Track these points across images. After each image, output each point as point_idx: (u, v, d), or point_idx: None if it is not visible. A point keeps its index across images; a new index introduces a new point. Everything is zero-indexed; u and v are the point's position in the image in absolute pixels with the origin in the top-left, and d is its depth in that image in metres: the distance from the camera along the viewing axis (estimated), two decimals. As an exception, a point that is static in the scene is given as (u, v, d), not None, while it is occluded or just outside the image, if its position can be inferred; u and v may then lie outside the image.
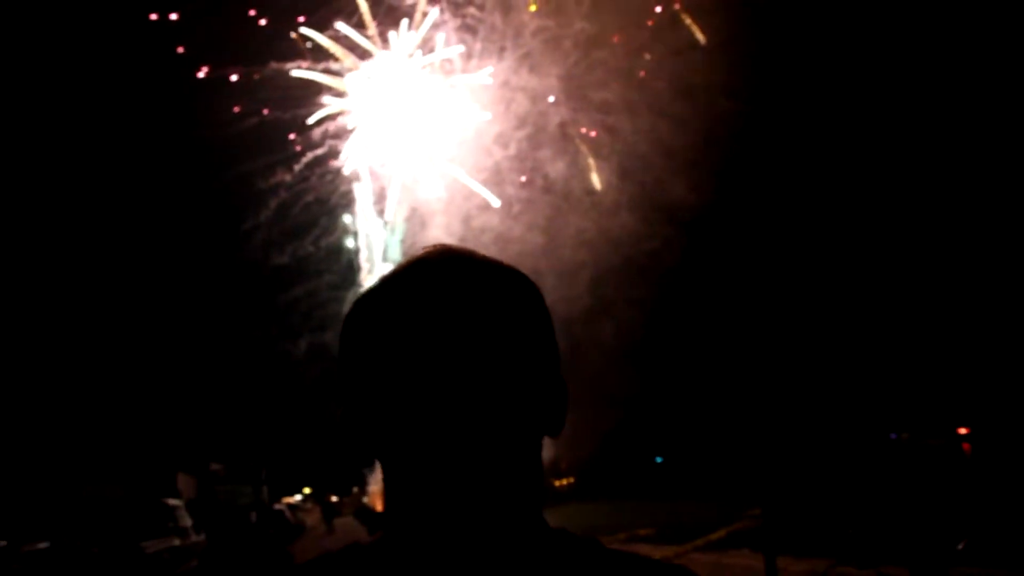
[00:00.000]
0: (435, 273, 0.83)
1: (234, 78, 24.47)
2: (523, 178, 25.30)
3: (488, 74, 24.64)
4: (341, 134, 26.22)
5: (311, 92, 25.63)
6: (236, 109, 24.42)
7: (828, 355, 26.21)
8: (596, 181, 25.02)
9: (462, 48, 24.30)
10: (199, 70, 23.74)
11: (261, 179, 25.00)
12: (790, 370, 26.79)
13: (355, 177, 26.35)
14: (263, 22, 24.21)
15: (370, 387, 0.82)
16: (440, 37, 25.11)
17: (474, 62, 25.03)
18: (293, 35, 24.67)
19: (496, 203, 26.84)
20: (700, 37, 21.95)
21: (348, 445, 0.85)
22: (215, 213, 24.48)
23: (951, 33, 22.87)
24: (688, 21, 22.08)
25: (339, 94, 25.37)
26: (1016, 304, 23.34)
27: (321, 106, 25.63)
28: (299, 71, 24.82)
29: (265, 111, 25.04)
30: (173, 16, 23.08)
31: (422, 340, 0.79)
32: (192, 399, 27.94)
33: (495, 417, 0.79)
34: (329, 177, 26.33)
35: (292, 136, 26.34)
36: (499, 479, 0.79)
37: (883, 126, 24.73)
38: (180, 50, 23.21)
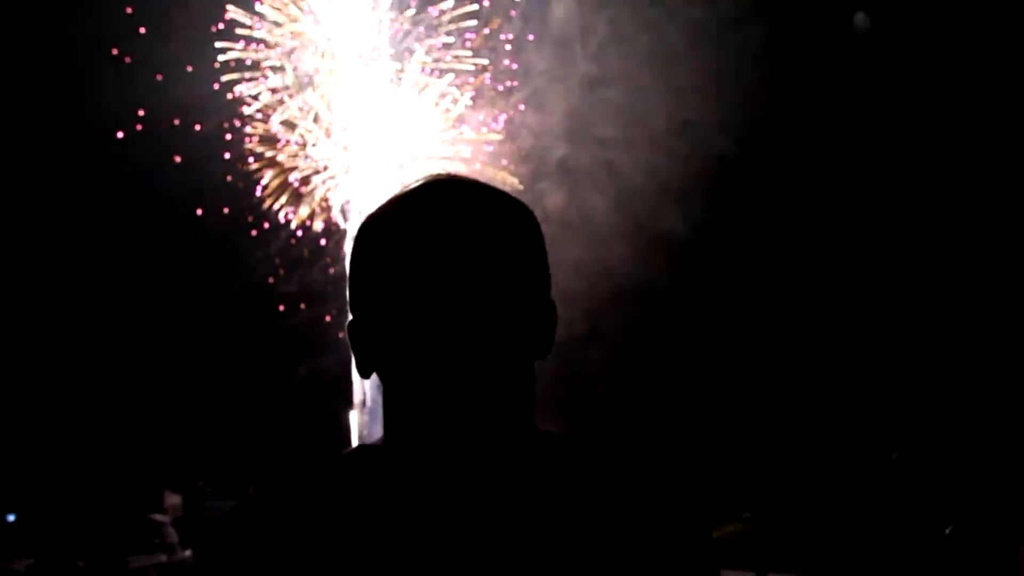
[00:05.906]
0: (440, 195, 0.89)
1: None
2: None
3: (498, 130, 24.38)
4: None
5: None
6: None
7: (822, 377, 26.36)
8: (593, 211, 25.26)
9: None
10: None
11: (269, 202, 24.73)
12: (784, 389, 26.93)
13: (350, 208, 26.34)
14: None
15: (374, 302, 0.88)
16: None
17: (483, 103, 24.99)
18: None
19: None
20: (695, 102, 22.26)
21: (354, 358, 0.91)
22: (216, 237, 24.30)
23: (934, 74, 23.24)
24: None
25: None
26: (990, 327, 23.56)
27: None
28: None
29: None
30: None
31: (425, 258, 0.85)
32: (180, 416, 27.84)
33: (491, 331, 0.85)
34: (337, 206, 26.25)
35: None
36: (492, 389, 0.86)
37: (866, 160, 25.06)
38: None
